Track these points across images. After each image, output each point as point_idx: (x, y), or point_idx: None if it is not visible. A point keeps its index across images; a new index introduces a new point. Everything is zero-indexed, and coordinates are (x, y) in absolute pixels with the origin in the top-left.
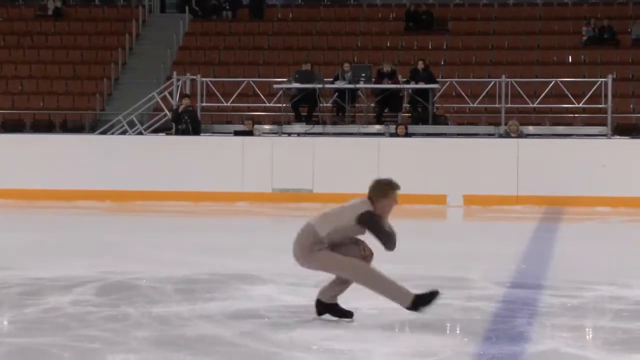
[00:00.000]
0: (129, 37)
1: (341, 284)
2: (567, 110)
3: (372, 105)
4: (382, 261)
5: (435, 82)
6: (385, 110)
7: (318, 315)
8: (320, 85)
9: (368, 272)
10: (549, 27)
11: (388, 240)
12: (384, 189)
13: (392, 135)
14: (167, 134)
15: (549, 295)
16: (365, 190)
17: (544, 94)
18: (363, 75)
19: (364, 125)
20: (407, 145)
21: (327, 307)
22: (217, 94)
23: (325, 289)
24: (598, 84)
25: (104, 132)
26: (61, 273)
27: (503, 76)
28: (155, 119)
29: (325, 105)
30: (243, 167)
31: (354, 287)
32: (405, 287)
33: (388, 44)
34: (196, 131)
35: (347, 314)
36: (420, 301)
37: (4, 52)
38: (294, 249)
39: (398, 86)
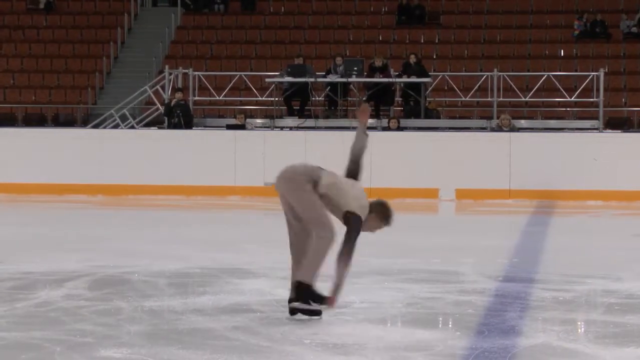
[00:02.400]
0: (120, 31)
1: None
2: (559, 104)
3: (364, 99)
4: (373, 255)
5: (427, 75)
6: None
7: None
8: (312, 79)
9: (327, 245)
10: (541, 21)
11: (346, 249)
12: (385, 215)
13: (384, 129)
14: (159, 127)
15: (541, 289)
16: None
17: (535, 88)
18: (355, 69)
19: (356, 119)
20: (399, 139)
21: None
22: (209, 87)
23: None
24: (590, 77)
25: (96, 126)
26: (53, 267)
27: (495, 70)
28: (148, 112)
29: (317, 99)
30: (235, 161)
31: (347, 280)
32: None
33: (380, 38)
34: (188, 125)
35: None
36: (308, 295)
37: None
38: (286, 171)
39: (390, 80)
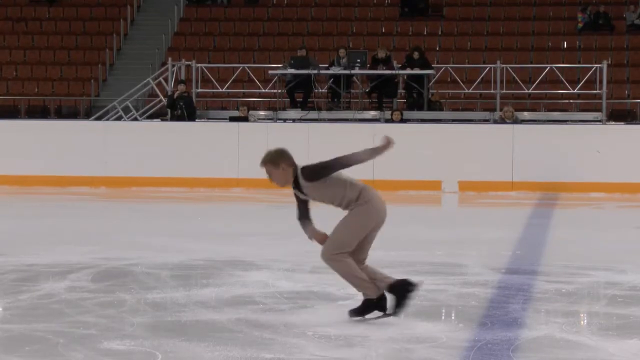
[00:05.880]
0: (123, 23)
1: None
2: (562, 96)
3: (367, 91)
4: (376, 247)
5: (430, 67)
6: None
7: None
8: (315, 71)
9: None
10: (544, 13)
11: (346, 158)
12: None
13: (387, 121)
14: (162, 120)
15: (544, 281)
16: (360, 176)
17: (539, 80)
18: (358, 61)
19: (359, 111)
20: (402, 131)
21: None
22: (212, 79)
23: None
24: (593, 69)
25: (99, 118)
26: (56, 259)
27: (498, 62)
28: (151, 104)
29: (320, 91)
30: (238, 153)
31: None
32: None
33: (383, 30)
34: (191, 117)
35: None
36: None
37: None
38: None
39: (394, 72)
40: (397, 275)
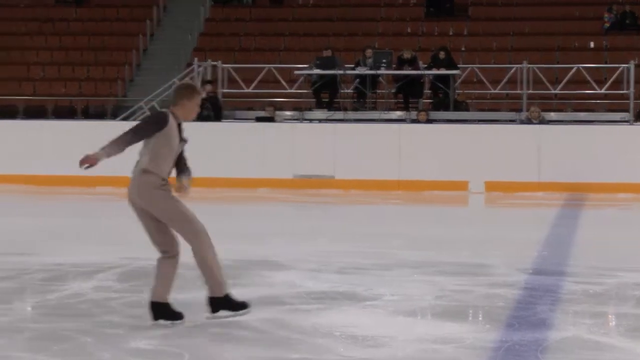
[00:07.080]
0: (150, 23)
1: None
2: (589, 97)
3: (393, 91)
4: (402, 248)
5: (456, 68)
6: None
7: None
8: (341, 72)
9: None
10: (570, 13)
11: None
12: (186, 92)
13: (413, 121)
14: None
15: (571, 281)
16: (386, 176)
17: (565, 80)
18: (384, 61)
19: (385, 112)
20: (428, 131)
21: (221, 303)
22: (239, 80)
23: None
24: (620, 70)
25: (125, 118)
26: (83, 259)
27: (524, 62)
28: None
29: (346, 91)
30: (264, 153)
31: (377, 272)
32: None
33: (409, 30)
34: (218, 117)
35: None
36: (226, 304)
37: (25, 38)
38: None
39: (419, 72)
40: (423, 276)
